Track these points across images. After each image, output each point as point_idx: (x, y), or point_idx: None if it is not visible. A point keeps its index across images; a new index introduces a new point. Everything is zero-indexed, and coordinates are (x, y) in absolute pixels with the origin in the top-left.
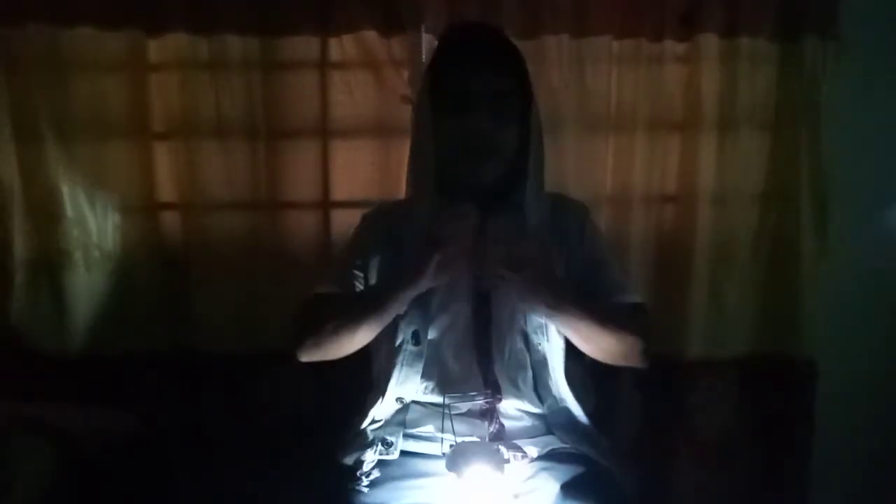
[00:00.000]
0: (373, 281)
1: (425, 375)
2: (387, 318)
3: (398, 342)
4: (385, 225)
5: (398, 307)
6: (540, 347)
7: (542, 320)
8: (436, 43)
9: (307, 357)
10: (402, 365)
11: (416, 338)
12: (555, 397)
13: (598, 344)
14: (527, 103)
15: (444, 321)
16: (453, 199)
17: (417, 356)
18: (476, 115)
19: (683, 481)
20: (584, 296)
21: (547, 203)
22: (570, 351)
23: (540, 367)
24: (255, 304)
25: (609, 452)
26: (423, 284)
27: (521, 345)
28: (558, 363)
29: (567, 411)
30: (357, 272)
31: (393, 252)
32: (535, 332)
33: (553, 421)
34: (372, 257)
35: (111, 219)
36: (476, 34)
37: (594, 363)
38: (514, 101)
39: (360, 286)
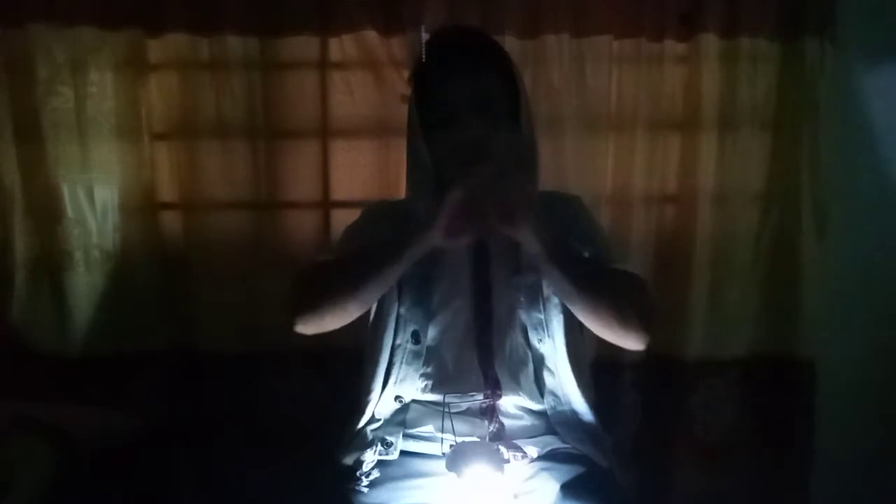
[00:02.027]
0: None
1: (424, 373)
2: (390, 279)
3: (398, 341)
4: (388, 219)
5: (404, 264)
6: (540, 344)
7: (542, 316)
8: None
9: (304, 326)
10: (401, 363)
11: (416, 337)
12: (557, 395)
13: (596, 309)
14: (518, 105)
15: (444, 318)
16: None
17: (416, 355)
18: (463, 126)
19: (683, 481)
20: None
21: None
22: (570, 348)
23: (540, 364)
24: (255, 304)
25: (610, 452)
26: (433, 240)
27: (521, 341)
28: (561, 360)
29: (570, 409)
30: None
31: None
32: (536, 329)
33: (556, 419)
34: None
35: (111, 219)
36: (459, 42)
37: (593, 362)
38: (503, 106)
39: None
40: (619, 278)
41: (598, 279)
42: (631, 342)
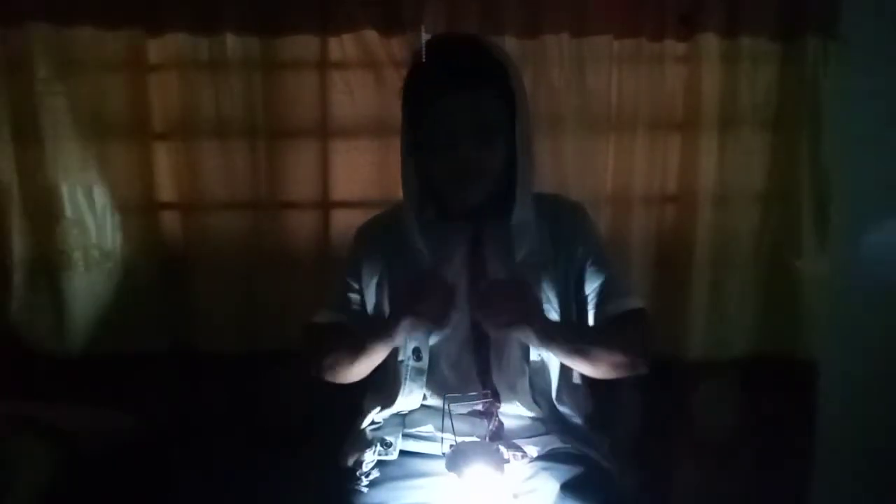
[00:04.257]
0: (370, 297)
1: (427, 384)
2: (376, 359)
3: (400, 358)
4: (378, 237)
5: (380, 354)
6: (538, 356)
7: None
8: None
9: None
10: (406, 380)
11: (418, 354)
12: (553, 403)
13: (598, 369)
14: (514, 115)
15: (443, 333)
16: (450, 210)
17: (420, 372)
18: (458, 145)
19: (683, 481)
20: (577, 328)
21: (532, 205)
22: (563, 364)
23: (537, 375)
24: (255, 304)
25: (609, 453)
26: (397, 341)
27: (518, 353)
28: (556, 370)
29: (565, 418)
30: (353, 294)
31: (387, 262)
32: None
33: (553, 426)
34: (366, 275)
35: (111, 219)
36: (455, 57)
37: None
38: (499, 120)
39: (357, 307)
40: (619, 336)
41: (598, 347)
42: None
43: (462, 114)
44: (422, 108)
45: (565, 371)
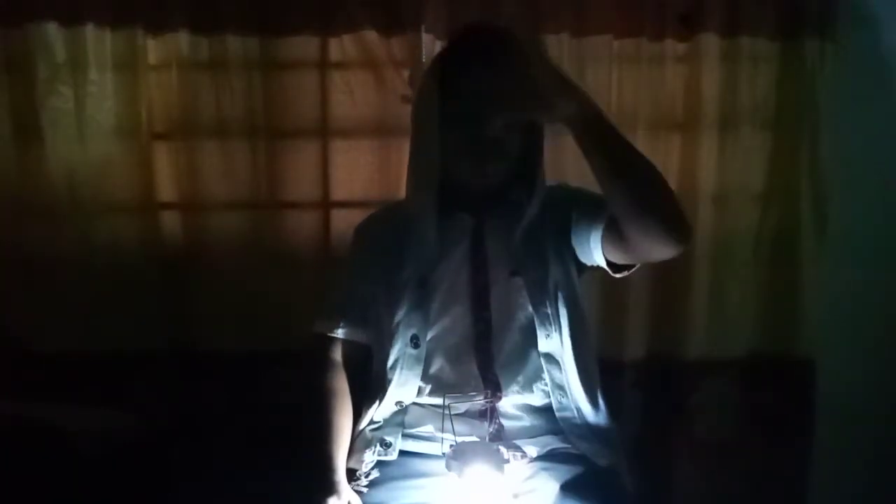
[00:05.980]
0: (372, 295)
1: (424, 378)
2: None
3: (397, 346)
4: (378, 234)
5: None
6: (548, 339)
7: (549, 311)
8: (437, 42)
9: None
10: (401, 368)
11: (416, 341)
12: (563, 390)
13: (640, 195)
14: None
15: (443, 324)
16: (451, 203)
17: (416, 360)
18: (486, 123)
19: (683, 481)
20: None
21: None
22: (577, 342)
23: (547, 359)
24: (255, 304)
25: (616, 446)
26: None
27: (523, 341)
28: (568, 354)
29: (576, 404)
30: (356, 295)
31: (390, 259)
32: (543, 324)
33: (561, 415)
34: (369, 274)
35: (111, 219)
36: (487, 37)
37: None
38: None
39: (361, 309)
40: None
41: (638, 155)
42: (676, 233)
43: (497, 90)
44: (458, 81)
45: (577, 354)
